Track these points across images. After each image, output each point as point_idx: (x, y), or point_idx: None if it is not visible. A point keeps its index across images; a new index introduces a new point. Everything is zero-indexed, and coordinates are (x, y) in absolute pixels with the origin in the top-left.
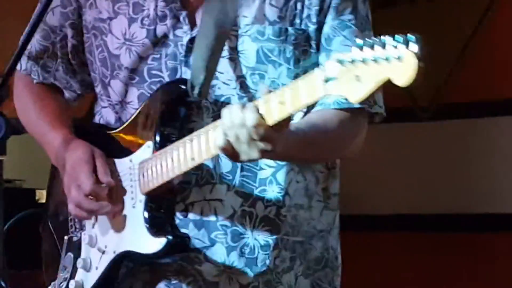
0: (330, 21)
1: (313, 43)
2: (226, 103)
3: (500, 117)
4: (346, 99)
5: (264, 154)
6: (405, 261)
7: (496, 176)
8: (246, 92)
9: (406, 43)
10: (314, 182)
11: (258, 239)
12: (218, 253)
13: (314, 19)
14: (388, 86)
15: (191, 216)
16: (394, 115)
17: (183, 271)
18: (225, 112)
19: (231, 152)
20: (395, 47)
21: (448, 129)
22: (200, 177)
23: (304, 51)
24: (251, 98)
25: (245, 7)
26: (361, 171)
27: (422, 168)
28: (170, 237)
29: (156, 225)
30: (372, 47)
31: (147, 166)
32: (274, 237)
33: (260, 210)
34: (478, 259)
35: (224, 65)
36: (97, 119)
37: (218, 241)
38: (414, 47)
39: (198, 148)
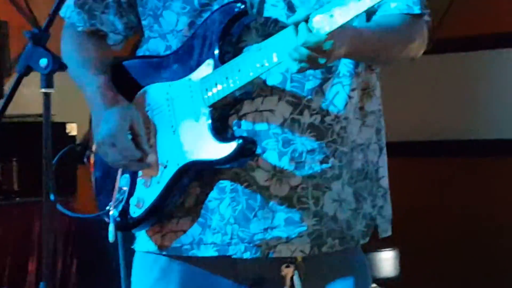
0: None
1: None
2: (275, 23)
3: (491, 50)
4: (407, 6)
5: (330, 55)
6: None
7: (488, 103)
8: (292, 11)
9: None
10: (352, 100)
11: (305, 144)
12: (269, 159)
13: None
14: None
15: (243, 126)
16: None
17: (238, 177)
18: (280, 35)
19: (307, 67)
20: None
21: (445, 61)
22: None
23: None
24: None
25: None
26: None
27: (423, 95)
28: (240, 141)
29: (222, 133)
30: None
31: (211, 81)
32: (319, 143)
33: (306, 117)
34: (482, 181)
35: None
36: (142, 52)
37: (269, 148)
38: None
39: (266, 54)
